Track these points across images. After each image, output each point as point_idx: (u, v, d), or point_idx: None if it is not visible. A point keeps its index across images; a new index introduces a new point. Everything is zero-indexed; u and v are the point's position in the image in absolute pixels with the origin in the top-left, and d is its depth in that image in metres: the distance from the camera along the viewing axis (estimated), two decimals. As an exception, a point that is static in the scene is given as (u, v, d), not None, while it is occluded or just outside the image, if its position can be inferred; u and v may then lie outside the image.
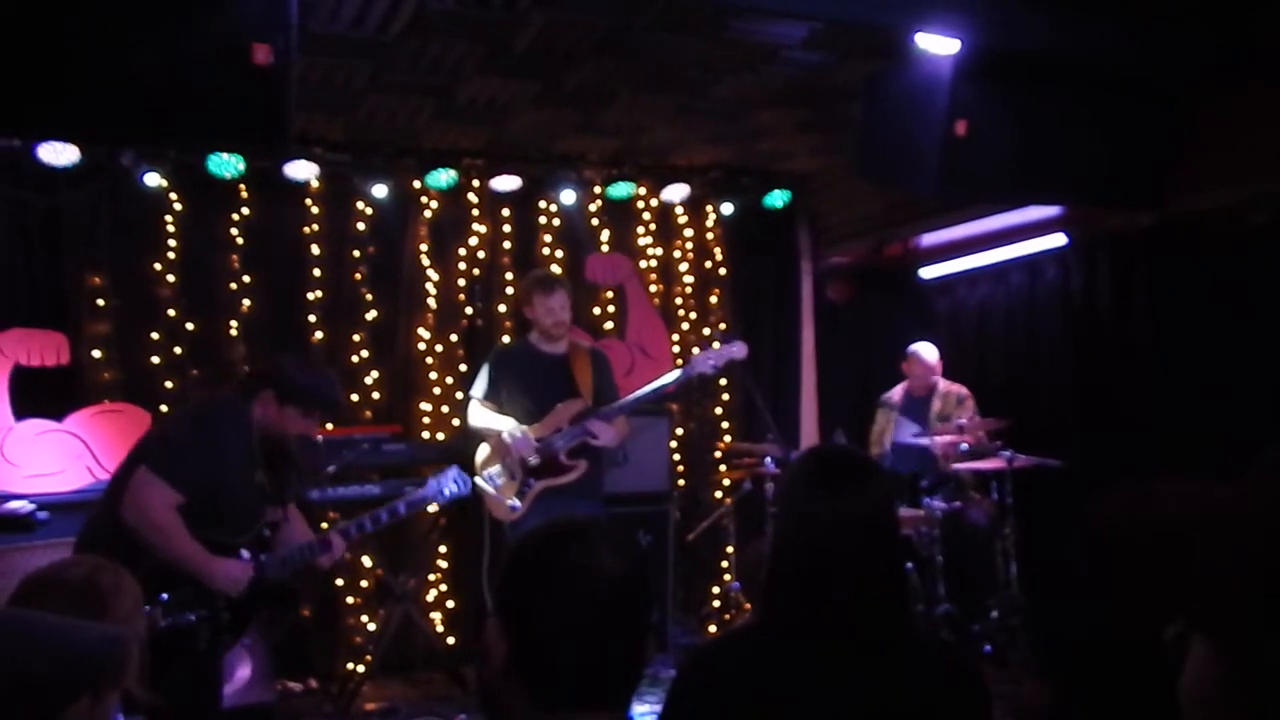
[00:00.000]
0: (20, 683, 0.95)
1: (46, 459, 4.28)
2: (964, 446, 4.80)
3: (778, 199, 5.70)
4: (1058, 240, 5.34)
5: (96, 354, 4.55)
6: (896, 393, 5.38)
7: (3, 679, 0.94)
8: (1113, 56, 3.62)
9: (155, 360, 4.63)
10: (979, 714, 1.58)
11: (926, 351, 5.24)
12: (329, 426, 4.75)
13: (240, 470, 2.98)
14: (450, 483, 3.50)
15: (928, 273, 6.11)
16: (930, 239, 5.99)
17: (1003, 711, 3.57)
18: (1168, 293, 4.73)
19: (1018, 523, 4.63)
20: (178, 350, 4.66)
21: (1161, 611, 0.95)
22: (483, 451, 4.11)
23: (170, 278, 4.69)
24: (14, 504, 3.64)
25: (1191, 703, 0.87)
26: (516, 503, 3.95)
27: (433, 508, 4.85)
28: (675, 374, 4.17)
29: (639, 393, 4.13)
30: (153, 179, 4.58)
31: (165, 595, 2.84)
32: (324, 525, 3.82)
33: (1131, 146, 3.86)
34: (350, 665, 4.71)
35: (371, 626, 4.79)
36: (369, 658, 4.58)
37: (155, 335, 4.64)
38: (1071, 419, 5.16)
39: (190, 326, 4.70)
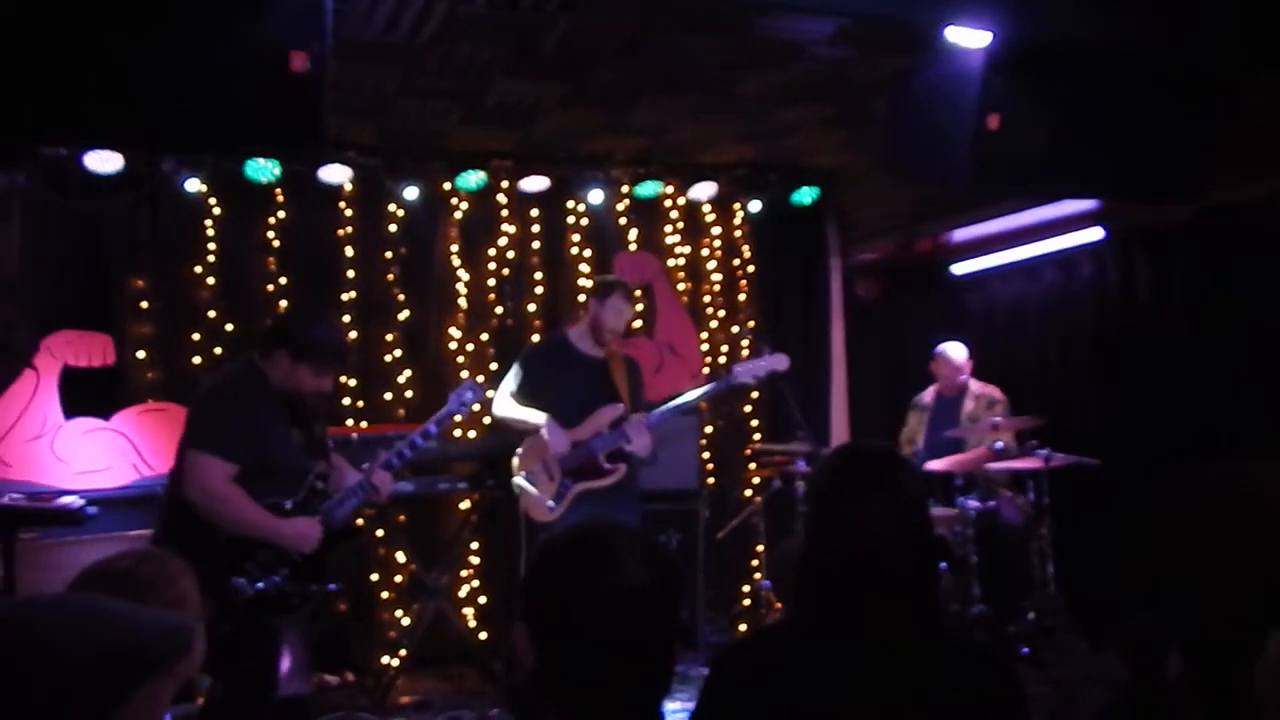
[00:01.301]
0: (86, 666, 0.97)
1: (94, 456, 4.42)
2: (999, 445, 4.71)
3: (806, 196, 5.68)
4: (1093, 235, 5.23)
5: (140, 355, 4.68)
6: (928, 394, 5.31)
7: (71, 662, 0.96)
8: (1149, 46, 3.54)
9: (196, 360, 4.74)
10: (1013, 713, 1.57)
11: (954, 351, 5.17)
12: (363, 424, 4.86)
13: (276, 430, 3.09)
14: (467, 392, 3.58)
15: (959, 269, 6.03)
16: (962, 234, 5.88)
17: (1039, 713, 3.54)
18: (1208, 288, 4.62)
19: (1054, 522, 4.56)
20: (218, 350, 4.77)
21: (1255, 592, 0.96)
22: (521, 452, 4.12)
23: (210, 280, 4.81)
24: (65, 499, 3.75)
25: (1271, 688, 0.86)
26: (554, 504, 3.96)
27: (465, 505, 4.93)
28: (716, 384, 4.18)
29: (678, 401, 4.13)
30: (193, 184, 4.70)
31: (244, 565, 2.97)
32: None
33: (1169, 138, 3.76)
34: (385, 659, 4.78)
35: (405, 621, 4.86)
36: (403, 652, 4.66)
37: (196, 336, 4.76)
38: (1107, 417, 5.06)
39: (229, 327, 4.80)
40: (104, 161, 4.44)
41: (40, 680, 0.93)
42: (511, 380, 4.17)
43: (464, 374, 5.18)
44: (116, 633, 1.02)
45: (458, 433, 5.12)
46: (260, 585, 2.99)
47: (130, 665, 1.01)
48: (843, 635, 1.52)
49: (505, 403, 4.13)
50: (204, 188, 4.74)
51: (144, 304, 4.71)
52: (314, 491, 3.18)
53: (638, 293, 5.54)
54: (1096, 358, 5.21)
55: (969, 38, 3.27)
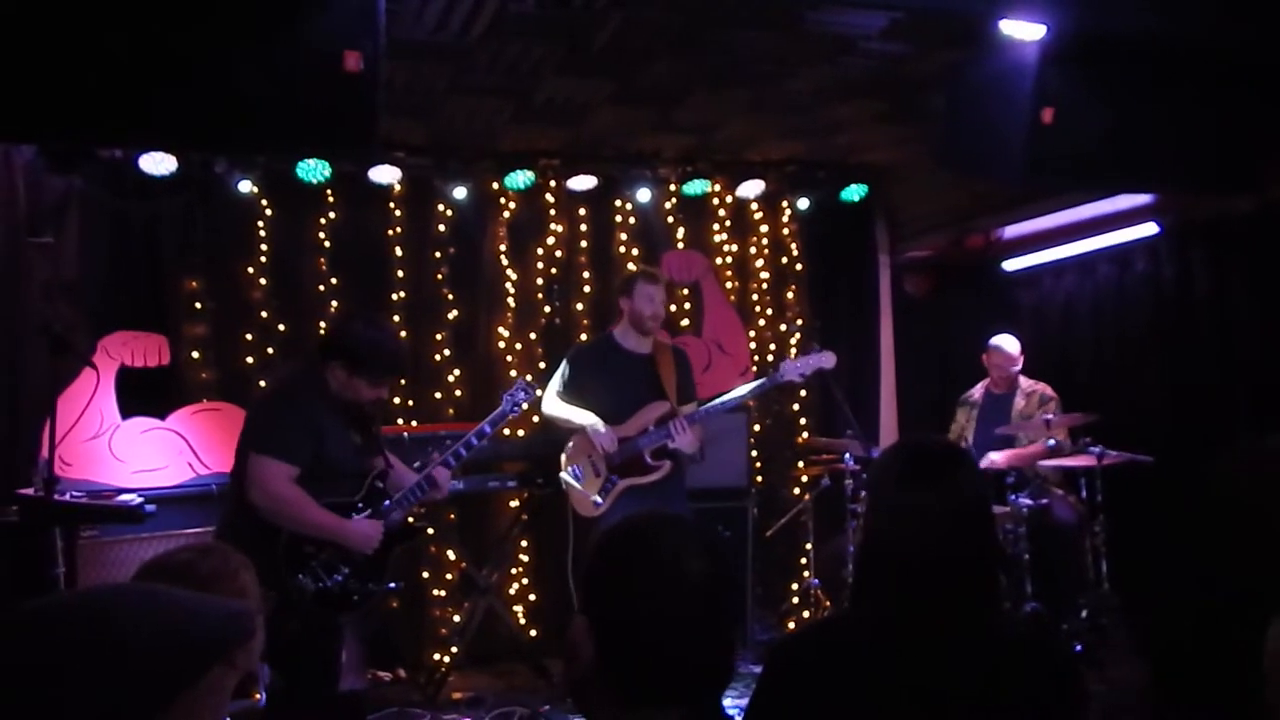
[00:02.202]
0: (151, 653, 0.97)
1: (151, 455, 4.48)
2: (1052, 443, 4.67)
3: (854, 193, 5.63)
4: (1148, 229, 5.13)
5: (195, 355, 4.74)
6: (977, 391, 5.25)
7: (135, 649, 0.96)
8: (1207, 36, 3.47)
9: (249, 360, 4.81)
10: (1076, 711, 1.54)
11: (1008, 343, 5.09)
12: (414, 423, 4.89)
13: (335, 432, 3.11)
14: (519, 392, 3.60)
15: (1010, 265, 5.95)
16: (1014, 230, 5.82)
17: (1097, 713, 3.48)
18: (1268, 282, 4.53)
19: (1108, 520, 4.50)
20: (270, 350, 4.83)
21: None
22: (566, 450, 4.14)
23: (262, 280, 4.86)
24: (124, 497, 3.82)
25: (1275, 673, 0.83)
26: (600, 499, 3.98)
27: (515, 503, 4.94)
28: (762, 381, 4.17)
29: (725, 398, 4.11)
30: (244, 186, 4.76)
31: (307, 564, 3.01)
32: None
33: (1227, 130, 3.69)
34: (437, 656, 4.81)
35: (456, 619, 4.89)
36: (454, 649, 4.69)
37: (249, 336, 4.82)
38: (1162, 414, 4.97)
39: (281, 327, 4.86)
40: (158, 163, 4.50)
41: (106, 667, 0.94)
42: (559, 380, 4.20)
43: (513, 373, 5.20)
44: (180, 619, 1.02)
45: (507, 431, 5.12)
46: (324, 583, 3.03)
47: (194, 651, 1.01)
48: (900, 632, 1.51)
49: (553, 402, 4.16)
50: (256, 189, 4.80)
51: (198, 304, 4.78)
52: (374, 491, 3.21)
53: (684, 291, 5.55)
54: (1152, 354, 5.13)
55: (1023, 30, 3.22)
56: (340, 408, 3.15)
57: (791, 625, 5.32)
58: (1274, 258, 4.48)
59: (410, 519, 3.45)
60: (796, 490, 5.53)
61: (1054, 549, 4.63)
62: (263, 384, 4.72)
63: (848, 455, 4.89)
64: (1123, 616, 4.39)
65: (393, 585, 3.23)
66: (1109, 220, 5.26)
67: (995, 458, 4.79)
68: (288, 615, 2.93)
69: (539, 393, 4.10)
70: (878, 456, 1.77)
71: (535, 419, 5.04)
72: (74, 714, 0.91)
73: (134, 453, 4.46)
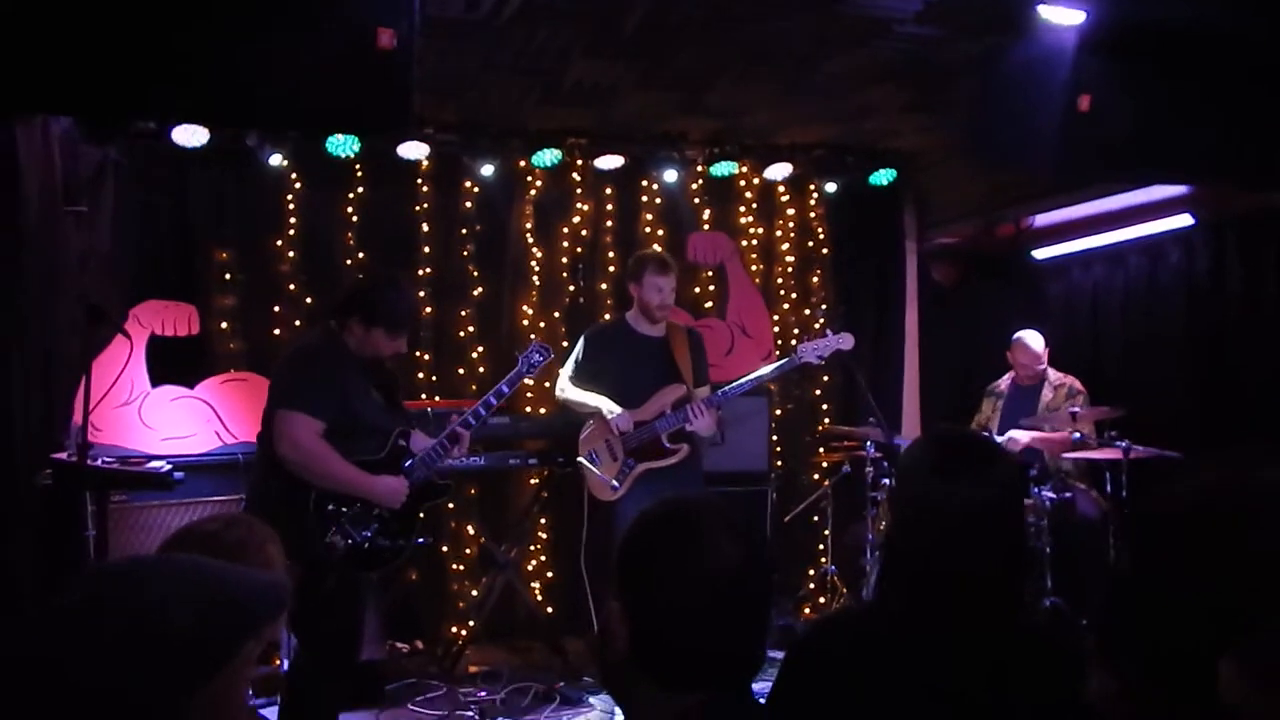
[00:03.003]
0: (193, 626, 0.97)
1: (179, 423, 4.55)
2: (1077, 436, 4.58)
3: (883, 178, 5.57)
4: (1182, 221, 5.06)
5: (223, 325, 4.79)
6: (1004, 382, 5.19)
7: (178, 622, 0.97)
8: (1243, 27, 3.41)
9: (277, 332, 4.85)
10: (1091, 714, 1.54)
11: (1032, 340, 5.02)
12: (437, 399, 4.93)
13: (358, 389, 3.17)
14: (535, 354, 3.62)
15: (1040, 254, 5.88)
16: (1044, 219, 5.75)
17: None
18: None
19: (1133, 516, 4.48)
20: (297, 323, 4.87)
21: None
22: (583, 433, 4.15)
23: (290, 254, 4.90)
24: (154, 464, 3.89)
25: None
26: (617, 483, 3.99)
27: (535, 481, 4.97)
28: (781, 363, 4.16)
29: (743, 380, 4.10)
30: (275, 159, 4.79)
31: (336, 522, 3.07)
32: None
33: (1264, 122, 3.61)
34: (454, 629, 4.88)
35: (474, 593, 4.95)
36: (472, 623, 4.75)
37: (277, 309, 4.87)
38: (1191, 410, 4.91)
39: (309, 300, 4.90)
40: (190, 135, 4.53)
41: (148, 640, 0.94)
42: (573, 362, 4.20)
43: (532, 337, 5.21)
44: (220, 592, 1.03)
45: (529, 409, 5.16)
46: (354, 540, 3.09)
47: (234, 624, 1.02)
48: (927, 624, 1.50)
49: (567, 385, 4.17)
50: (286, 162, 4.83)
51: (228, 276, 4.82)
52: (397, 450, 3.26)
53: (709, 273, 5.54)
54: (1183, 347, 5.06)
55: (1061, 16, 3.17)
56: (361, 367, 3.21)
57: (808, 611, 5.34)
58: None
59: (445, 480, 3.49)
60: (816, 476, 5.50)
61: (1075, 544, 4.59)
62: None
63: (869, 443, 4.87)
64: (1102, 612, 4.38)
65: (422, 541, 3.29)
66: (1142, 210, 5.18)
67: (1017, 435, 4.78)
68: (322, 573, 2.99)
69: (578, 460, 4.11)
70: (908, 447, 1.75)
71: (556, 396, 5.09)
72: (118, 688, 0.92)
73: (163, 420, 4.53)
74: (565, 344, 5.15)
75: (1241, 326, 4.79)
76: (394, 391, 3.40)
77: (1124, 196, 5.06)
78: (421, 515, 3.37)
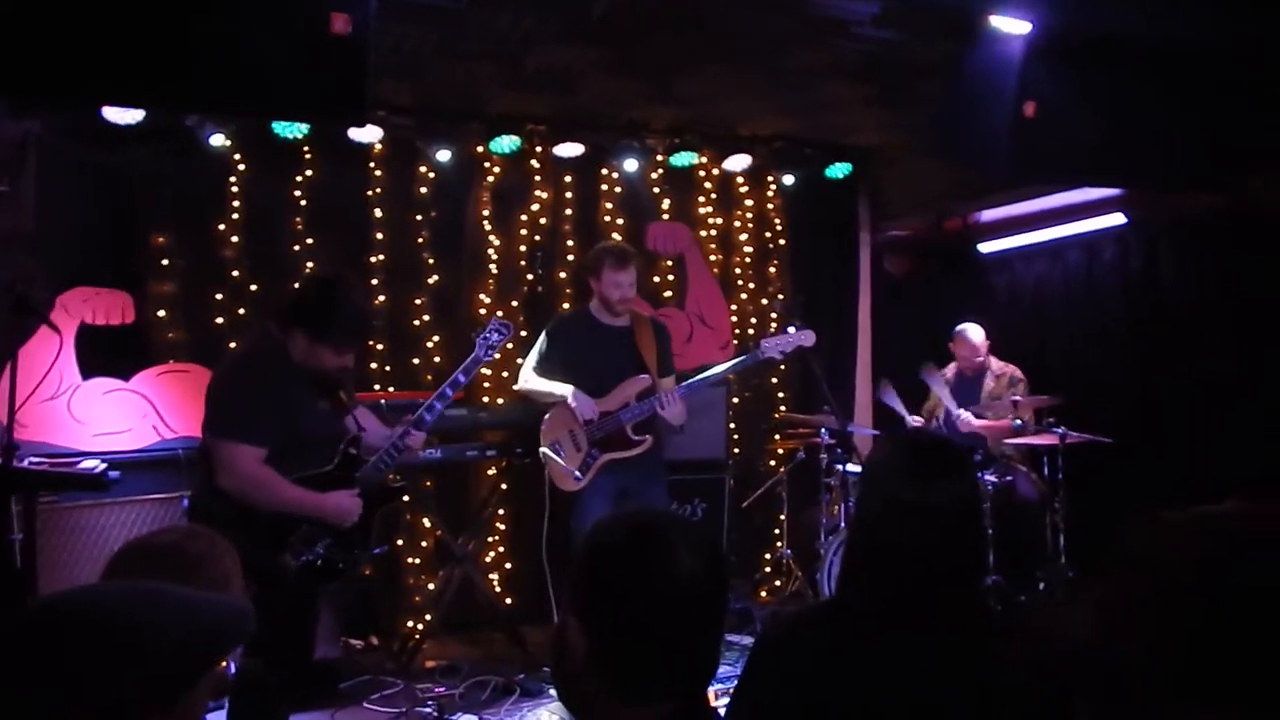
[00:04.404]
0: (162, 653, 0.98)
1: (113, 418, 4.35)
2: (1018, 423, 4.85)
3: (839, 171, 5.64)
4: (1116, 220, 5.30)
5: (162, 313, 4.58)
6: (950, 371, 5.39)
7: (146, 650, 0.97)
8: (1189, 37, 3.52)
9: (220, 321, 4.66)
10: (1057, 711, 1.56)
11: (973, 332, 5.25)
12: (391, 390, 4.79)
13: (302, 402, 3.02)
14: (493, 334, 3.53)
15: (986, 248, 6.07)
16: (990, 214, 5.97)
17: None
18: (1230, 276, 4.71)
19: (1069, 497, 4.68)
20: (241, 311, 4.69)
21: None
22: (545, 423, 4.11)
23: (234, 239, 4.70)
24: (87, 463, 3.69)
25: None
26: (580, 474, 3.97)
27: (493, 472, 4.89)
28: (743, 358, 4.19)
29: (707, 374, 4.12)
30: (217, 139, 4.58)
31: (288, 540, 2.95)
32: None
33: (1202, 130, 3.77)
34: (411, 624, 4.80)
35: (431, 587, 4.87)
36: (429, 617, 4.67)
37: (220, 296, 4.67)
38: (1124, 398, 5.16)
39: (254, 288, 4.72)
40: (124, 112, 4.29)
41: (116, 669, 0.95)
42: (536, 354, 4.15)
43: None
44: (187, 619, 1.03)
45: (486, 399, 5.06)
46: (306, 557, 2.97)
47: (201, 652, 1.03)
48: (889, 619, 1.53)
49: (530, 377, 4.12)
50: (229, 143, 4.62)
51: (166, 261, 4.60)
52: (348, 459, 3.13)
53: (668, 262, 5.49)
54: (1118, 340, 5.29)
55: (1009, 25, 3.27)
56: (304, 375, 3.03)
57: (764, 594, 5.44)
58: (1238, 254, 4.64)
59: (395, 479, 3.38)
60: (773, 463, 5.59)
61: (1016, 524, 4.80)
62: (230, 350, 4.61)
63: (823, 430, 4.99)
64: (1076, 590, 4.58)
65: (379, 550, 3.18)
66: (1079, 209, 5.46)
67: (970, 418, 5.00)
68: (273, 594, 2.86)
69: (541, 451, 4.05)
70: (875, 448, 1.80)
71: (515, 388, 5.00)
72: (79, 715, 0.92)
73: (95, 414, 4.32)
74: (524, 334, 5.06)
75: (1172, 320, 5.02)
76: (340, 392, 3.18)
77: (1062, 195, 5.28)
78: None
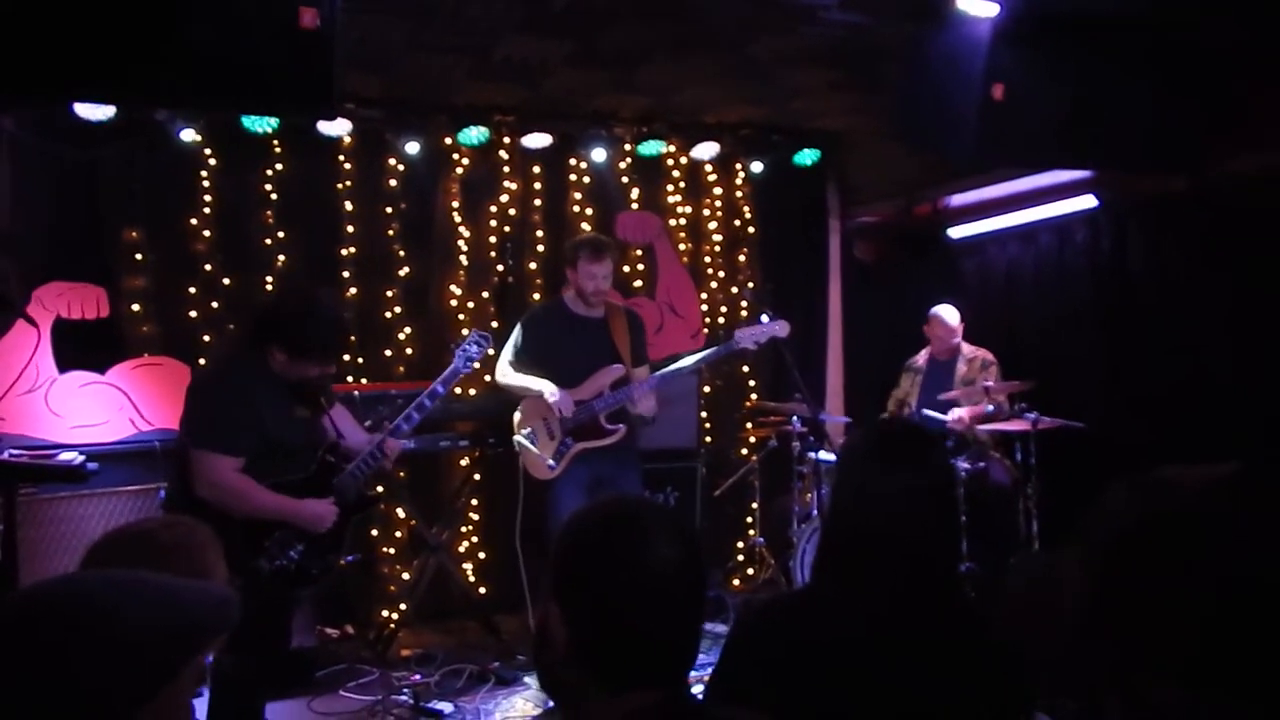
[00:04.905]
0: (143, 643, 0.97)
1: (90, 410, 4.38)
2: (989, 409, 4.82)
3: (807, 157, 5.67)
4: (1087, 202, 5.26)
5: (135, 308, 4.61)
6: (921, 357, 5.38)
7: (127, 640, 0.96)
8: (1157, 17, 3.55)
9: (193, 314, 4.69)
10: (1023, 696, 1.60)
11: (947, 314, 5.19)
12: (364, 381, 4.84)
13: (278, 412, 3.04)
14: (472, 346, 3.56)
15: (956, 233, 6.05)
16: (959, 199, 5.92)
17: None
18: (1201, 257, 4.68)
19: (1041, 483, 4.66)
20: (214, 305, 4.72)
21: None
22: (520, 412, 4.14)
23: (206, 233, 4.73)
24: (66, 455, 3.72)
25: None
26: (554, 462, 4.00)
27: (466, 462, 4.93)
28: (717, 348, 4.21)
29: (679, 365, 4.14)
30: (188, 134, 4.60)
31: (263, 544, 2.97)
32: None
33: (1174, 110, 3.77)
34: (386, 613, 4.84)
35: (406, 576, 4.92)
36: (404, 606, 4.71)
37: (192, 290, 4.70)
38: (1095, 382, 5.14)
39: (226, 281, 4.75)
40: (95, 109, 4.31)
41: (97, 660, 0.94)
42: (511, 346, 4.17)
43: (465, 332, 5.15)
44: (167, 609, 1.02)
45: (459, 390, 5.10)
46: (280, 562, 3.00)
47: (183, 640, 1.02)
48: (864, 605, 1.55)
49: (506, 370, 4.14)
50: (199, 138, 4.65)
51: (138, 256, 4.63)
52: (325, 466, 3.16)
53: (638, 252, 5.55)
54: (1088, 324, 5.26)
55: (976, 7, 3.26)
56: (282, 384, 3.05)
57: (737, 583, 5.49)
58: (1208, 235, 4.61)
59: (376, 488, 3.40)
60: (745, 451, 5.62)
61: (989, 509, 4.78)
62: (217, 343, 4.64)
63: (795, 417, 4.99)
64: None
65: (351, 558, 3.20)
66: (1049, 192, 5.37)
67: (962, 414, 4.93)
68: (246, 597, 2.89)
69: (514, 440, 4.09)
70: (849, 437, 1.82)
71: (487, 378, 5.05)
72: (64, 707, 0.91)
73: (72, 407, 4.35)
74: (495, 325, 5.13)
75: (1143, 303, 5.00)
76: (318, 396, 3.19)
77: (1033, 179, 5.24)
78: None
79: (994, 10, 3.24)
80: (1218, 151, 3.99)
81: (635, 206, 5.54)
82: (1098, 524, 0.97)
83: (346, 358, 4.89)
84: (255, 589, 2.91)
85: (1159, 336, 4.88)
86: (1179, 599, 0.86)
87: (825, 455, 4.84)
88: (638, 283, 5.57)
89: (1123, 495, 0.96)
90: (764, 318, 4.15)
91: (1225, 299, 4.53)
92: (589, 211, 5.39)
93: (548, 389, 3.98)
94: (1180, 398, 4.63)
